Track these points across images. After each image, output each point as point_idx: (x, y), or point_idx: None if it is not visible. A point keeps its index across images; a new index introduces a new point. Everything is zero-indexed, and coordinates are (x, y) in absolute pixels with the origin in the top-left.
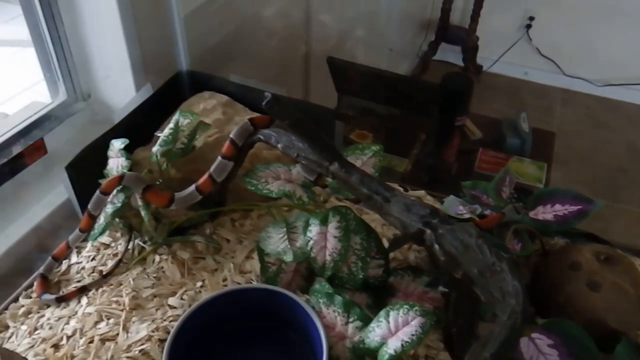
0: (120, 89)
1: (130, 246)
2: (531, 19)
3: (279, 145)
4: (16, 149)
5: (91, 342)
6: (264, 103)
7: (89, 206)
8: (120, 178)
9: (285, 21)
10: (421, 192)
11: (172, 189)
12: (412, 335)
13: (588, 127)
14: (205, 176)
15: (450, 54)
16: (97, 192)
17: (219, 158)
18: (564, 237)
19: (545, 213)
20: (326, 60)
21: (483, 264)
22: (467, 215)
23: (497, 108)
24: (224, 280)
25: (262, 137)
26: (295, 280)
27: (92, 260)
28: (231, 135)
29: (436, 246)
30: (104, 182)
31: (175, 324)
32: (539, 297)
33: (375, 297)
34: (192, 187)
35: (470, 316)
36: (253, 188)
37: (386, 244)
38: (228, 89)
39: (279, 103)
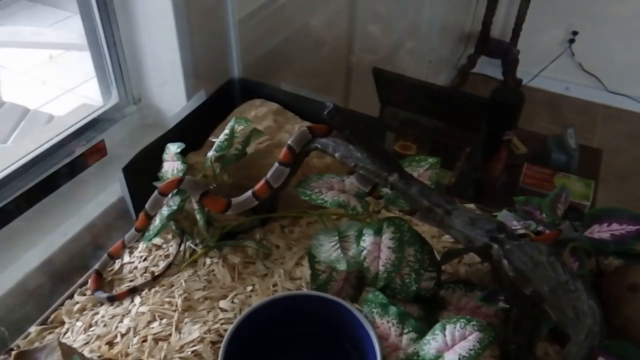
0: (171, 94)
1: (181, 248)
2: (574, 33)
3: (336, 155)
4: (79, 150)
5: (144, 341)
6: (325, 112)
7: (147, 206)
8: (180, 181)
9: (330, 31)
10: (471, 205)
11: (224, 194)
12: (470, 350)
13: (630, 144)
14: (262, 182)
15: (489, 67)
16: (156, 192)
17: (276, 164)
18: (619, 257)
19: (601, 232)
20: (372, 71)
21: (555, 281)
22: (522, 231)
23: (536, 123)
24: (274, 285)
25: (319, 145)
26: (345, 289)
27: (144, 261)
28: (289, 142)
29: (505, 261)
30: (162, 183)
31: (230, 327)
32: None
33: (426, 309)
34: (249, 193)
35: (531, 334)
36: (307, 198)
37: (437, 256)
38: (278, 97)
39: (341, 113)
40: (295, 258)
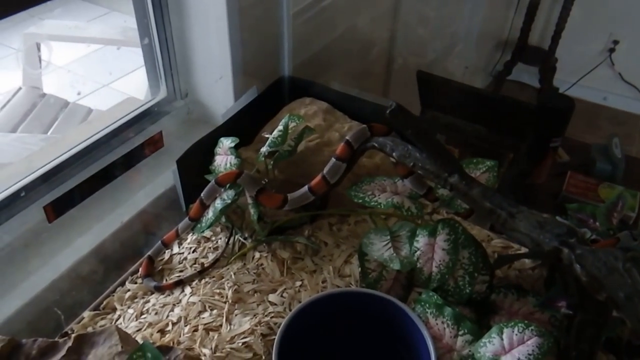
0: (219, 91)
1: (230, 241)
2: (615, 42)
3: (394, 154)
4: (138, 140)
5: (195, 330)
6: (388, 111)
7: (202, 195)
8: (238, 175)
9: (373, 33)
10: None
11: (275, 190)
12: (529, 354)
13: None
14: (319, 177)
15: (525, 75)
16: (212, 182)
17: (333, 159)
18: None
19: None
20: (416, 74)
21: (632, 288)
22: None
23: (573, 133)
24: (323, 282)
25: (376, 144)
26: (395, 288)
27: (193, 252)
28: (348, 138)
29: (577, 266)
30: (218, 174)
31: (283, 322)
32: None
33: (478, 312)
34: (305, 188)
35: (593, 342)
36: (360, 201)
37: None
38: (326, 96)
39: (403, 113)
40: (344, 256)
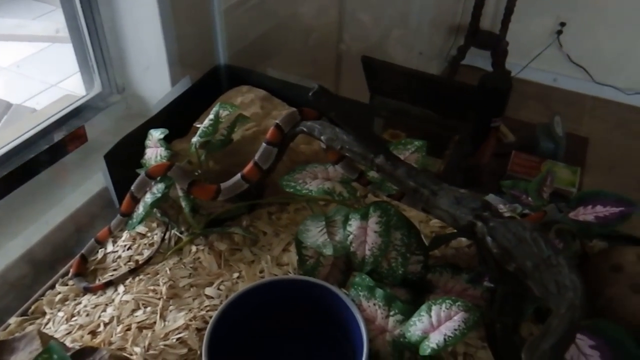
0: (156, 83)
1: (166, 237)
2: (562, 24)
3: (322, 138)
4: (58, 136)
5: (128, 329)
6: (310, 94)
7: (132, 188)
8: (169, 167)
9: (319, 19)
10: None
11: (210, 182)
12: (455, 330)
13: (617, 135)
14: (251, 164)
15: (479, 59)
16: (143, 174)
17: (263, 145)
18: (603, 239)
19: (585, 214)
20: (360, 59)
21: (538, 257)
22: (508, 214)
23: (525, 114)
24: (261, 271)
25: (305, 128)
26: (333, 274)
27: (128, 250)
28: (277, 121)
29: (488, 239)
30: (150, 166)
31: (215, 313)
32: None
33: (414, 293)
34: (238, 176)
35: (516, 314)
36: (292, 190)
37: (425, 240)
38: (265, 84)
39: (326, 94)
40: (282, 244)
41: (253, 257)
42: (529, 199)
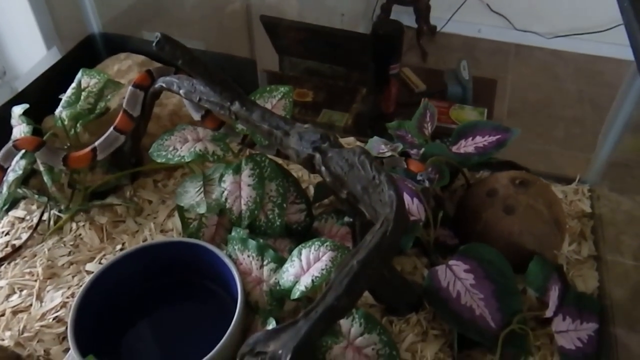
0: (33, 58)
1: (45, 217)
2: None
3: (181, 92)
4: None
5: (2, 315)
6: (154, 44)
7: None
8: (40, 144)
9: None
10: (350, 139)
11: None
12: (322, 269)
13: (540, 79)
14: (121, 113)
15: (405, 16)
16: (10, 144)
17: (130, 88)
18: (487, 169)
19: (466, 146)
20: (260, 19)
21: (365, 180)
22: (389, 154)
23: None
24: (144, 240)
25: (164, 84)
26: (219, 233)
27: (5, 235)
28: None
29: (322, 168)
30: (20, 138)
31: (82, 286)
32: (461, 227)
33: (299, 242)
34: (110, 129)
35: None
36: (164, 160)
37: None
38: (147, 50)
39: (170, 43)
40: (167, 211)
41: (137, 227)
42: (414, 138)
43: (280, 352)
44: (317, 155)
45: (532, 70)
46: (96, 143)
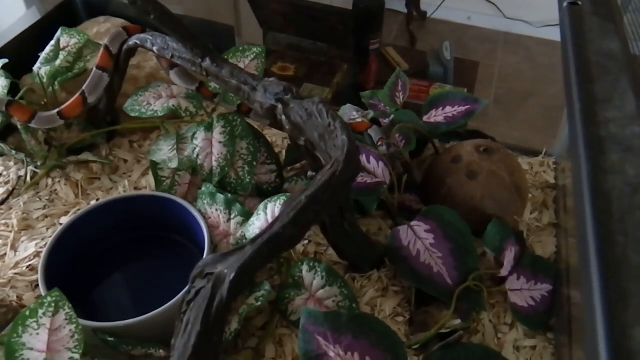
0: (12, 18)
1: (22, 173)
2: None
3: (154, 49)
4: None
5: None
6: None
7: None
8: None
9: None
10: None
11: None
12: None
13: (528, 68)
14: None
15: (396, 2)
16: None
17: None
18: (458, 139)
19: (437, 116)
20: None
21: (322, 127)
22: (360, 119)
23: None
24: None
25: (138, 41)
26: (192, 191)
27: None
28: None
29: (283, 117)
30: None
31: (55, 233)
32: (427, 193)
33: None
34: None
35: (343, 203)
36: (137, 114)
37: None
38: (127, 14)
39: None
40: (142, 170)
41: (112, 185)
42: (387, 107)
43: (225, 271)
44: (280, 106)
45: (521, 58)
46: (83, 87)
